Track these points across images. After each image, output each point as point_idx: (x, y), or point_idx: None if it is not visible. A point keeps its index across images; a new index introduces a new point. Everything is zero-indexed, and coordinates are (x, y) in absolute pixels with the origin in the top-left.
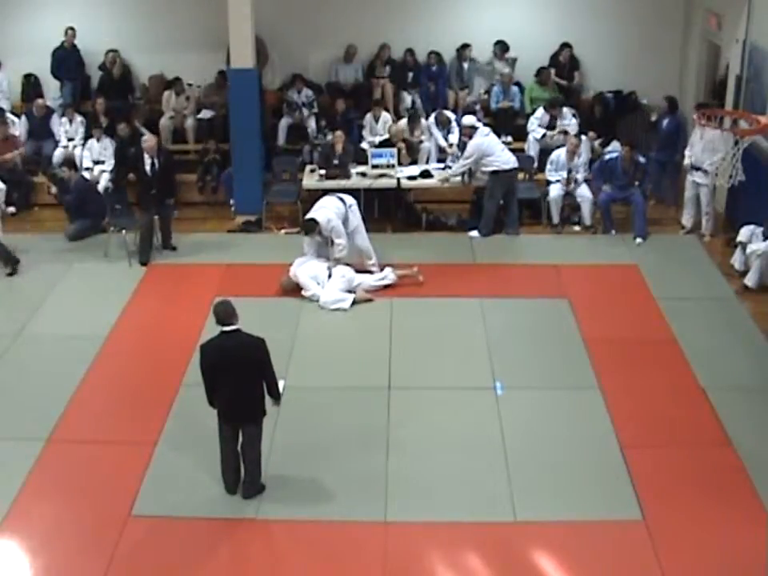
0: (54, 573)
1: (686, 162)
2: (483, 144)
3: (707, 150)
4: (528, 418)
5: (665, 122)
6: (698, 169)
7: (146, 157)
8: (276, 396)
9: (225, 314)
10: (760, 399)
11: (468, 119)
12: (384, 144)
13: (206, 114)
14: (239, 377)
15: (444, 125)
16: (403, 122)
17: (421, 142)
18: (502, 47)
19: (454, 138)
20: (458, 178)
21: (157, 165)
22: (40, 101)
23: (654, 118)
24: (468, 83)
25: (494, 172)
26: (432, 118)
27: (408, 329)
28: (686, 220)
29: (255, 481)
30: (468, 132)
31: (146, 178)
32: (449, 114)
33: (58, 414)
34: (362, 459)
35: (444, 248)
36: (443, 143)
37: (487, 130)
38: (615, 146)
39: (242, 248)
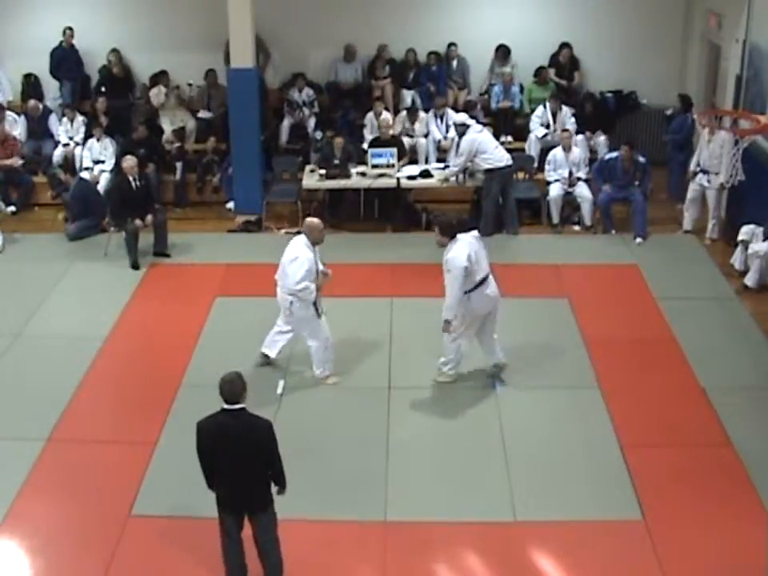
0: (54, 573)
1: (692, 167)
2: (476, 140)
3: (714, 156)
4: (528, 417)
5: (676, 121)
6: (705, 172)
7: (130, 178)
8: (282, 485)
9: (230, 392)
10: (760, 399)
11: (459, 116)
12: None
13: (204, 114)
14: (241, 463)
15: (439, 107)
16: (402, 114)
17: (424, 135)
18: (504, 52)
19: (451, 133)
20: (455, 177)
21: (139, 184)
22: (32, 102)
23: (669, 112)
24: (460, 81)
25: (488, 170)
26: (431, 112)
27: (408, 329)
28: (688, 222)
29: (278, 571)
30: (460, 130)
31: (130, 195)
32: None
33: (57, 414)
34: (362, 459)
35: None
36: (439, 136)
37: (480, 126)
38: (601, 138)
39: (242, 248)
